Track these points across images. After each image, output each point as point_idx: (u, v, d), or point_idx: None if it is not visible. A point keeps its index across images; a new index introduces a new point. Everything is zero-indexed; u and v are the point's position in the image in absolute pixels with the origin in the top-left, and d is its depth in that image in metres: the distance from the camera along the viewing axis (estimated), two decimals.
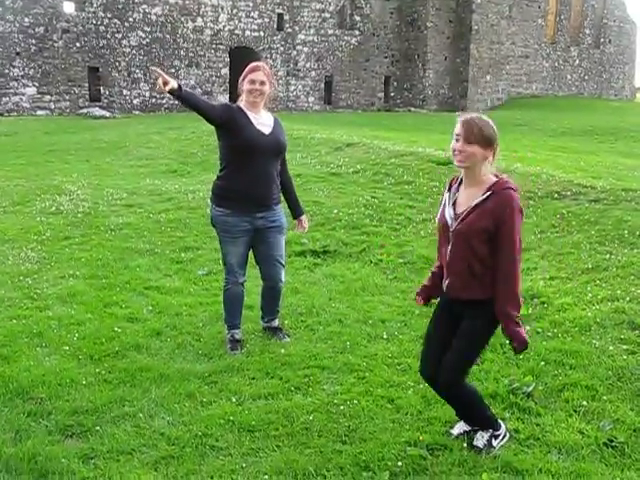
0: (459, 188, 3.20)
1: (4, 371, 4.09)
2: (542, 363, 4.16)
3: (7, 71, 21.47)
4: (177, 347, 4.58)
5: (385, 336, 4.75)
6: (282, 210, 4.62)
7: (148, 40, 23.61)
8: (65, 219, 8.14)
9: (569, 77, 33.23)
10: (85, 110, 21.76)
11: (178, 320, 5.06)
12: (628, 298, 5.02)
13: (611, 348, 4.31)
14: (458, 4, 28.49)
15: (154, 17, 23.61)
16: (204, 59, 24.88)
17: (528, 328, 4.67)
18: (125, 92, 23.47)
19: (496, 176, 3.12)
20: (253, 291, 5.15)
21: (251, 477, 3.10)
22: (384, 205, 8.38)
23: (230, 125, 4.30)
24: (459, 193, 3.19)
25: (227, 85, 25.18)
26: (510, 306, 3.03)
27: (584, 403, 3.70)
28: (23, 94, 21.84)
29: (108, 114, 21.32)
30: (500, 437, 3.33)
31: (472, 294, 3.13)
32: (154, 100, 23.96)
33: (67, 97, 22.47)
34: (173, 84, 3.94)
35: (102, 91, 23.10)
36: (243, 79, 4.38)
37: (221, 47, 25.13)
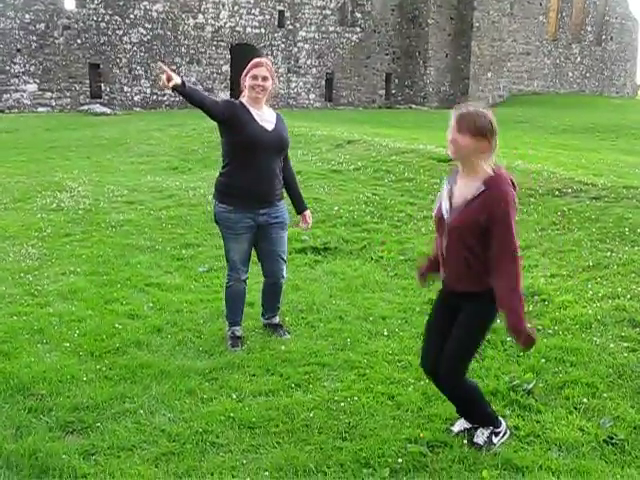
0: (457, 181, 3.17)
1: (5, 367, 4.09)
2: (543, 360, 4.16)
3: (8, 68, 21.47)
4: (178, 344, 4.59)
5: (386, 333, 4.75)
6: (285, 206, 4.62)
7: (149, 37, 23.59)
8: (66, 216, 8.14)
9: (570, 74, 33.16)
10: (86, 107, 21.75)
11: (179, 317, 5.07)
12: (629, 296, 5.02)
13: (612, 346, 4.31)
14: (459, 1, 28.42)
15: (155, 14, 23.59)
16: (205, 56, 24.85)
17: (529, 326, 4.67)
18: (126, 89, 23.46)
19: (494, 170, 3.05)
20: (253, 288, 5.15)
21: (251, 474, 3.11)
22: (385, 202, 8.38)
23: (233, 121, 4.29)
24: (456, 186, 3.15)
25: (228, 82, 25.15)
26: (510, 300, 2.98)
27: (584, 400, 3.70)
28: (24, 91, 21.83)
29: (109, 111, 21.31)
30: (500, 434, 3.33)
31: (467, 286, 3.12)
32: (155, 97, 23.95)
33: (68, 94, 22.47)
34: (177, 80, 3.93)
35: (103, 88, 23.09)
36: (245, 75, 4.37)
37: (222, 44, 25.10)
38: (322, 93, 27.74)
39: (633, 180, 8.56)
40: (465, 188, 3.08)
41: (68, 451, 3.23)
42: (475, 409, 3.35)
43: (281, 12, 26.08)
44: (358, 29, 28.09)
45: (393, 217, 7.85)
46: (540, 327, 4.68)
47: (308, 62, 27.08)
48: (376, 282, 5.92)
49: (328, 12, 27.22)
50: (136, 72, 23.50)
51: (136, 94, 23.66)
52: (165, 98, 23.89)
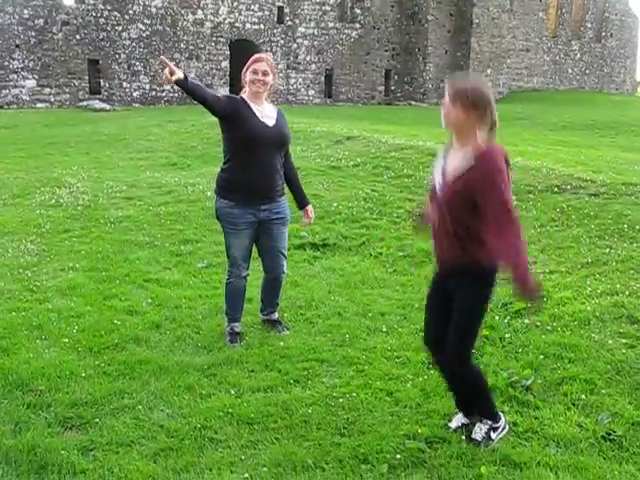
0: (450, 153, 3.13)
1: (4, 363, 4.09)
2: (541, 356, 4.16)
3: (7, 63, 21.44)
4: (176, 340, 4.59)
5: (384, 329, 4.76)
6: (286, 202, 4.62)
7: (148, 32, 23.55)
8: (65, 212, 8.13)
9: (570, 71, 33.15)
10: (85, 103, 21.72)
11: (177, 313, 5.07)
12: (627, 292, 5.02)
13: (610, 342, 4.31)
14: None
15: (154, 9, 23.55)
16: (204, 52, 24.82)
17: (527, 322, 4.69)
18: (125, 85, 23.43)
19: (486, 145, 2.97)
20: (252, 284, 5.15)
21: (250, 469, 3.11)
22: (384, 198, 8.37)
23: (234, 117, 4.28)
24: (448, 159, 3.12)
25: (227, 78, 25.13)
26: (515, 256, 2.91)
27: (583, 396, 3.70)
28: (23, 87, 21.80)
29: (108, 107, 21.28)
30: (499, 430, 3.33)
31: (457, 261, 3.09)
32: (154, 93, 23.92)
33: (67, 90, 22.43)
34: (179, 74, 3.91)
35: (102, 84, 23.06)
36: (246, 70, 4.36)
37: (221, 40, 25.07)
38: (321, 89, 27.73)
39: (632, 177, 8.55)
40: (457, 161, 3.04)
41: (67, 447, 3.24)
42: (478, 396, 3.34)
43: (280, 8, 26.05)
44: (357, 25, 28.06)
45: (392, 213, 7.85)
46: (539, 323, 4.68)
47: (307, 58, 27.05)
48: (375, 278, 5.92)
49: (327, 8, 27.18)
50: (135, 68, 23.47)
51: (135, 90, 23.63)
52: (164, 94, 23.86)
